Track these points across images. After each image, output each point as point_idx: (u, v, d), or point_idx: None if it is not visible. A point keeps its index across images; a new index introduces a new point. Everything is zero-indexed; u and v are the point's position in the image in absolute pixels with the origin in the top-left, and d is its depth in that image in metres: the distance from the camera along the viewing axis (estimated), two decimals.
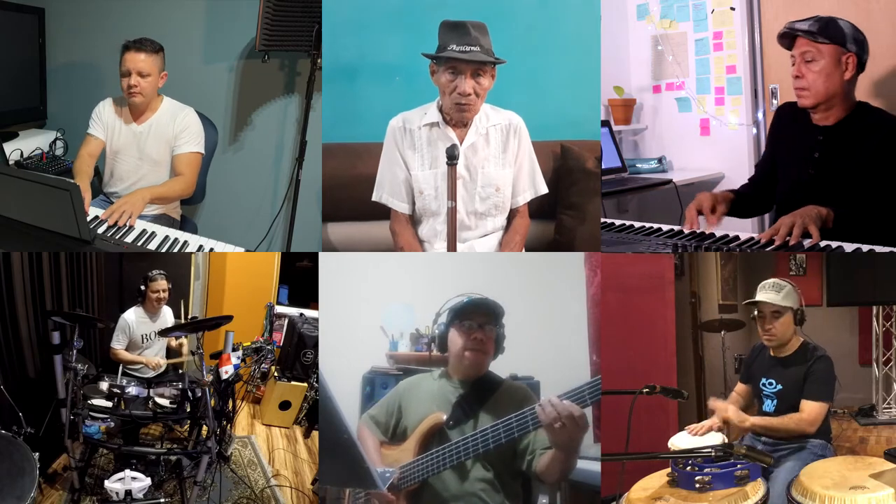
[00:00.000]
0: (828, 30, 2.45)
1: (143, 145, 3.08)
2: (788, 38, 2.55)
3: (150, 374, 3.47)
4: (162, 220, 3.06)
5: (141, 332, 3.45)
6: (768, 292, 2.39)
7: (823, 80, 2.47)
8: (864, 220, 2.41)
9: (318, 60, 3.28)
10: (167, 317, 3.58)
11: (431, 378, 2.13)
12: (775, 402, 2.40)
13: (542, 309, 3.07)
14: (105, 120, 3.09)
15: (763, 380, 2.44)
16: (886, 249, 2.31)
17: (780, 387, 2.39)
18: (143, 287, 3.46)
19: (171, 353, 3.63)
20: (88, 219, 2.61)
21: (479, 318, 2.03)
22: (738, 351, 4.34)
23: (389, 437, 2.09)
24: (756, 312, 2.42)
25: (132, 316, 3.45)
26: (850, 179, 2.46)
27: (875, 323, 4.50)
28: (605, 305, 2.99)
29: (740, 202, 2.79)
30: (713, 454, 1.96)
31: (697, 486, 1.99)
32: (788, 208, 2.48)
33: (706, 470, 2.01)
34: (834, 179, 2.50)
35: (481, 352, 2.04)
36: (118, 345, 3.42)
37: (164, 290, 3.46)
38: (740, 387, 2.58)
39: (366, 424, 2.12)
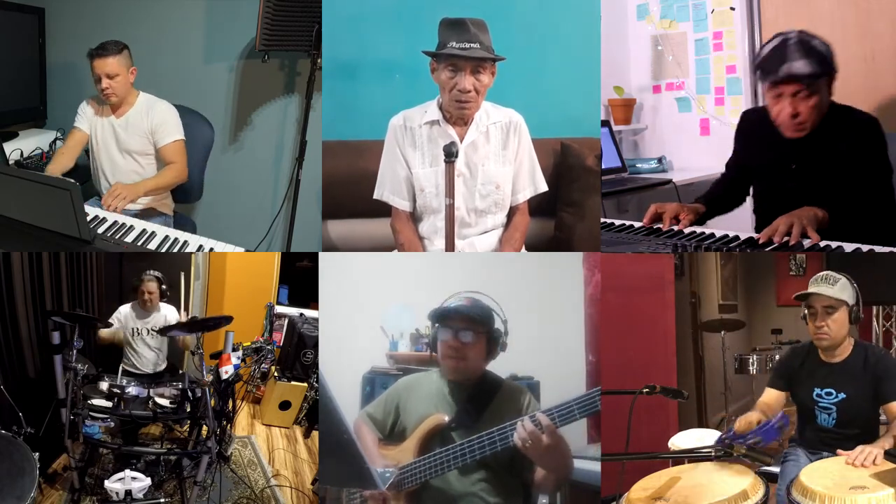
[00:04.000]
0: (821, 64, 2.31)
1: (120, 137, 3.19)
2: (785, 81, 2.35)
3: (149, 370, 3.48)
4: (149, 213, 3.14)
5: (131, 326, 3.47)
6: (821, 285, 2.14)
7: (818, 110, 2.38)
8: (857, 218, 2.38)
9: (318, 60, 3.29)
10: (161, 314, 3.58)
11: (430, 378, 2.12)
12: (834, 413, 2.13)
13: (541, 309, 3.06)
14: (88, 115, 3.22)
15: (817, 390, 2.15)
16: (886, 249, 2.29)
17: (842, 396, 2.11)
18: (135, 284, 3.50)
19: (174, 351, 3.63)
20: (88, 218, 2.61)
21: (457, 324, 2.01)
22: (738, 351, 4.34)
23: (387, 435, 2.08)
24: (807, 310, 2.16)
25: (126, 310, 3.49)
26: (831, 184, 2.41)
27: (875, 323, 4.49)
28: (605, 305, 2.98)
29: (712, 208, 2.75)
30: (713, 454, 1.96)
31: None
32: (772, 214, 2.42)
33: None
34: (814, 186, 2.44)
35: (456, 358, 2.02)
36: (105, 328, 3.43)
37: (150, 293, 3.48)
38: (772, 394, 2.25)
39: (363, 421, 2.11)
